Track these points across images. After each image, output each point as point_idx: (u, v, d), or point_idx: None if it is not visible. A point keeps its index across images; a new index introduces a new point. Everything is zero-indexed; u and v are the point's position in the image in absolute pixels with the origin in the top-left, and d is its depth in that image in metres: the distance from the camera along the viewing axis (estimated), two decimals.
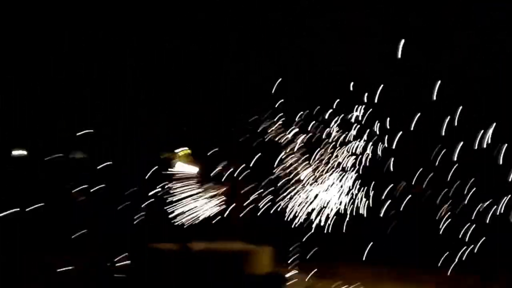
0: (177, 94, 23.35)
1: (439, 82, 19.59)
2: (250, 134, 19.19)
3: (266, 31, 23.21)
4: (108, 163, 17.80)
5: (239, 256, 11.39)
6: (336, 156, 18.26)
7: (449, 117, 18.78)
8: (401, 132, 19.34)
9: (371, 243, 16.80)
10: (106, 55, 23.50)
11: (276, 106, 18.61)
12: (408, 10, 22.23)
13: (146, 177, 18.33)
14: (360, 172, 18.04)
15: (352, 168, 18.16)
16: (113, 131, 22.11)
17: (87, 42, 23.49)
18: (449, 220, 18.61)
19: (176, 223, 15.51)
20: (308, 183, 17.83)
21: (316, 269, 14.14)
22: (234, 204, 13.80)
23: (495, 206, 18.16)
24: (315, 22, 22.89)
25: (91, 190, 17.15)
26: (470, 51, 21.21)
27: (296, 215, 17.04)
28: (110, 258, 12.13)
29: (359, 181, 17.92)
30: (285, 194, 17.61)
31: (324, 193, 17.61)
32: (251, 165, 17.96)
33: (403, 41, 16.54)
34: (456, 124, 18.68)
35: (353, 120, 18.87)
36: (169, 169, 16.98)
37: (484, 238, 16.78)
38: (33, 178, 21.24)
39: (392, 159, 19.39)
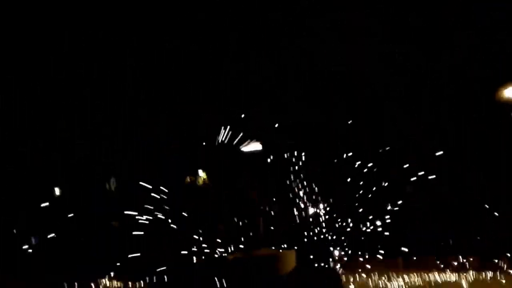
0: (177, 95, 23.37)
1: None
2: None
3: (266, 31, 23.24)
4: None
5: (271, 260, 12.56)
6: None
7: None
8: None
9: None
10: (106, 55, 23.51)
11: None
12: (408, 10, 22.25)
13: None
14: None
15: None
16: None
17: (87, 42, 23.50)
18: None
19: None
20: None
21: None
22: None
23: None
24: (315, 22, 22.90)
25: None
26: (470, 51, 21.22)
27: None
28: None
29: None
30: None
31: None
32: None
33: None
34: None
35: None
36: None
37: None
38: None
39: None
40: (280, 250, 13.04)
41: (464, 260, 16.84)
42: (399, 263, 17.20)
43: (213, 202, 18.78)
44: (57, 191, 22.24)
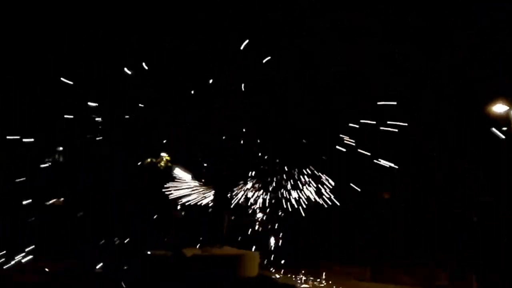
0: (177, 94, 23.31)
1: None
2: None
3: (266, 31, 23.19)
4: None
5: (231, 260, 11.88)
6: None
7: None
8: None
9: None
10: (106, 55, 23.47)
11: None
12: (408, 10, 22.21)
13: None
14: None
15: None
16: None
17: (87, 42, 23.46)
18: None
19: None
20: None
21: (303, 271, 15.54)
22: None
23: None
24: (315, 22, 22.86)
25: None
26: (470, 51, 21.17)
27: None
28: None
29: None
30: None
31: None
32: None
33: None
34: None
35: None
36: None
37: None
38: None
39: None
40: (243, 251, 12.08)
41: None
42: (366, 274, 17.26)
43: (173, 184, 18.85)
44: None
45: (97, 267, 13.99)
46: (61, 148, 22.31)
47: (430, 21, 21.60)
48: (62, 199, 20.16)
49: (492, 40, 20.88)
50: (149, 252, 12.41)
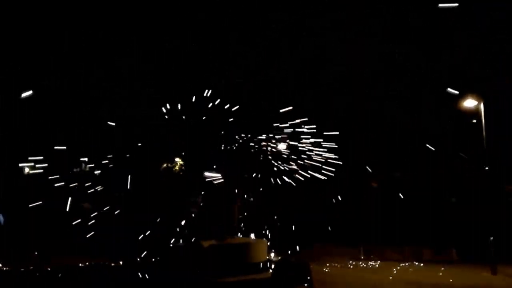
0: (177, 95, 23.34)
1: None
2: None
3: (266, 31, 23.25)
4: None
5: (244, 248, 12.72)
6: None
7: None
8: None
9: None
10: (106, 55, 23.52)
11: None
12: (408, 11, 22.23)
13: None
14: None
15: None
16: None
17: (87, 42, 23.52)
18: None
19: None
20: None
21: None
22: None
23: None
24: (315, 22, 22.89)
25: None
26: (470, 51, 21.23)
27: None
28: None
29: None
30: None
31: None
32: None
33: None
34: None
35: None
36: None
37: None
38: None
39: None
40: (253, 239, 13.26)
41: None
42: (360, 252, 19.04)
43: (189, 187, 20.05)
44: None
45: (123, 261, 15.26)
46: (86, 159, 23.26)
47: (430, 21, 21.65)
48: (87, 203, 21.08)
49: (492, 40, 20.98)
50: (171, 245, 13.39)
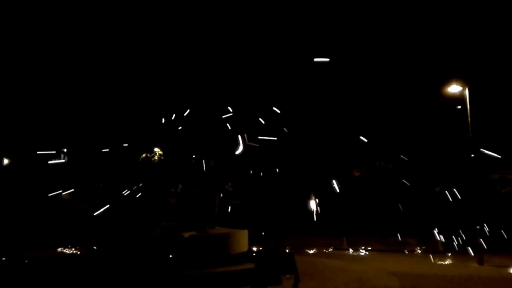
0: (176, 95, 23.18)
1: None
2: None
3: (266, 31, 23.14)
4: None
5: (225, 238, 12.77)
6: None
7: None
8: None
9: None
10: (106, 56, 23.44)
11: None
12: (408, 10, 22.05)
13: None
14: None
15: None
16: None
17: (86, 43, 23.45)
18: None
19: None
20: None
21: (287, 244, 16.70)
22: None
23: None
24: (315, 21, 22.75)
25: None
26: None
27: None
28: None
29: None
30: None
31: None
32: None
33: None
34: None
35: None
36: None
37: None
38: None
39: None
40: (233, 230, 13.17)
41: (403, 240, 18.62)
42: (343, 242, 18.91)
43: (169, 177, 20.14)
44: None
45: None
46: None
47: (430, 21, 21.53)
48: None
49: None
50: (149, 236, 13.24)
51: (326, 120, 21.56)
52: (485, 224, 16.49)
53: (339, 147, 21.52)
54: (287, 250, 14.80)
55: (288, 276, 11.64)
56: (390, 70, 21.24)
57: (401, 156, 20.89)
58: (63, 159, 23.31)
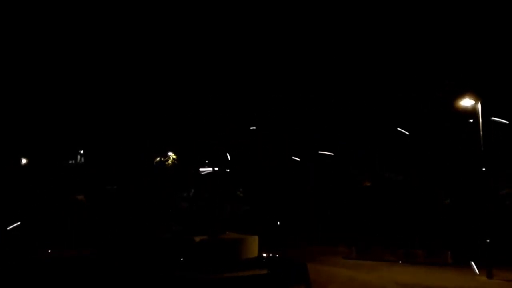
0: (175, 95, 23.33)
1: None
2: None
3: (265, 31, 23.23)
4: None
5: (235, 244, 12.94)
6: None
7: None
8: None
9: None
10: (105, 56, 23.60)
11: None
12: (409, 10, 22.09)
13: None
14: None
15: None
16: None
17: (86, 43, 23.62)
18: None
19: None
20: None
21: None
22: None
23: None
24: (314, 21, 22.84)
25: None
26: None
27: None
28: None
29: None
30: None
31: None
32: None
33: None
34: None
35: None
36: None
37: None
38: None
39: None
40: (244, 235, 13.24)
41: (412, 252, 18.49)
42: (353, 252, 18.85)
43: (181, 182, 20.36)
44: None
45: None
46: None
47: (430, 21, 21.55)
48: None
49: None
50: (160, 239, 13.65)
51: (341, 133, 21.63)
52: (494, 238, 16.35)
53: (350, 159, 21.54)
54: (299, 259, 14.83)
55: (303, 285, 11.65)
56: (404, 83, 21.28)
57: (411, 168, 20.87)
58: (79, 160, 23.53)
